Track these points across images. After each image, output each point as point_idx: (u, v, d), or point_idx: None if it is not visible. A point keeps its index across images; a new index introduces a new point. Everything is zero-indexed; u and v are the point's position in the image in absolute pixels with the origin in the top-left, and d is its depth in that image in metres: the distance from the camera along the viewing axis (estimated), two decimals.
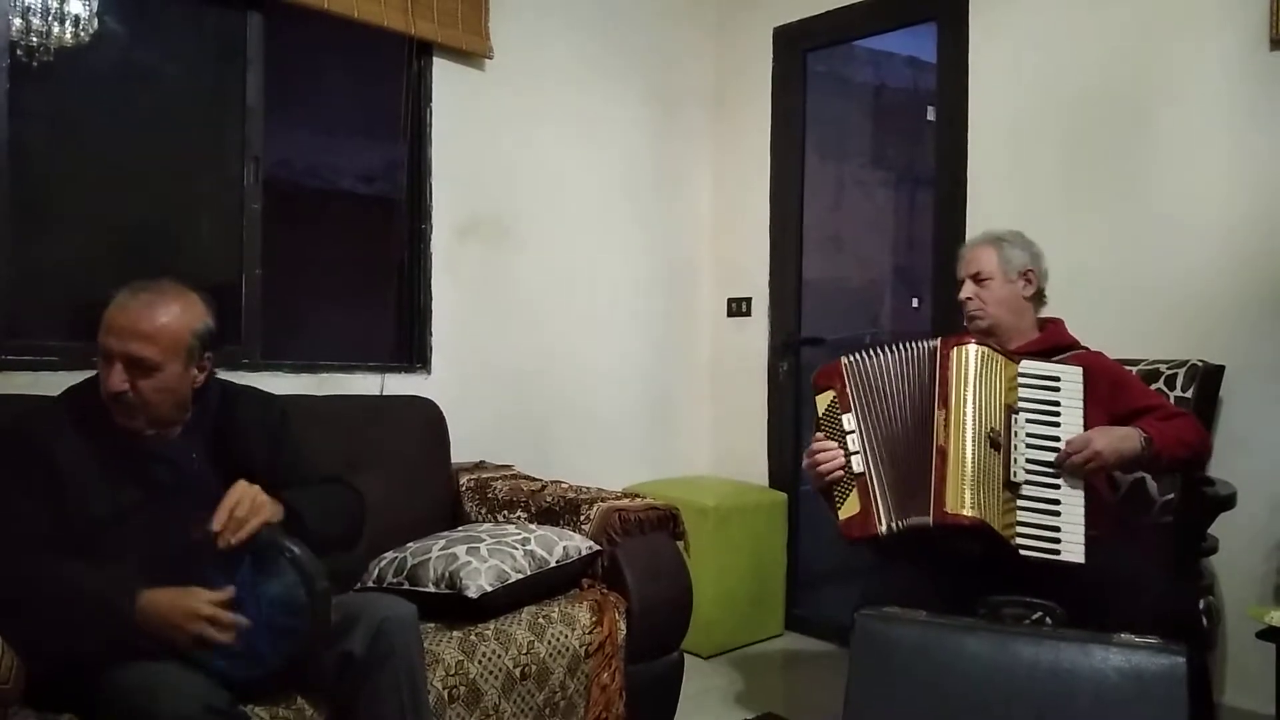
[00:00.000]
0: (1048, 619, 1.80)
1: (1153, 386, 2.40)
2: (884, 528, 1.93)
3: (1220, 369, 2.49)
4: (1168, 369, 2.47)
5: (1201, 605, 2.13)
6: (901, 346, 2.06)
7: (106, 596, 1.56)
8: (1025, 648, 1.64)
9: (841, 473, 2.00)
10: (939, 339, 2.05)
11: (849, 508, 1.98)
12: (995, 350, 2.03)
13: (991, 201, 3.13)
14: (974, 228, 3.16)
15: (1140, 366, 2.48)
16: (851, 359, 2.09)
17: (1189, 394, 2.41)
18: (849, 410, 2.04)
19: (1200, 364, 2.45)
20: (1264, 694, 2.06)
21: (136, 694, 1.47)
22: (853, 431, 2.02)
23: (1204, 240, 2.69)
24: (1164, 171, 2.77)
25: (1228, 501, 2.21)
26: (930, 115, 3.49)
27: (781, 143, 3.78)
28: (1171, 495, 2.33)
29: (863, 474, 1.98)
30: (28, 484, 1.64)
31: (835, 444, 2.03)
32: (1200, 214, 2.70)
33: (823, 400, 2.09)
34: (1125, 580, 1.86)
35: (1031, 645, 1.64)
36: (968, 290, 2.28)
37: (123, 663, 1.53)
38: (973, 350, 1.99)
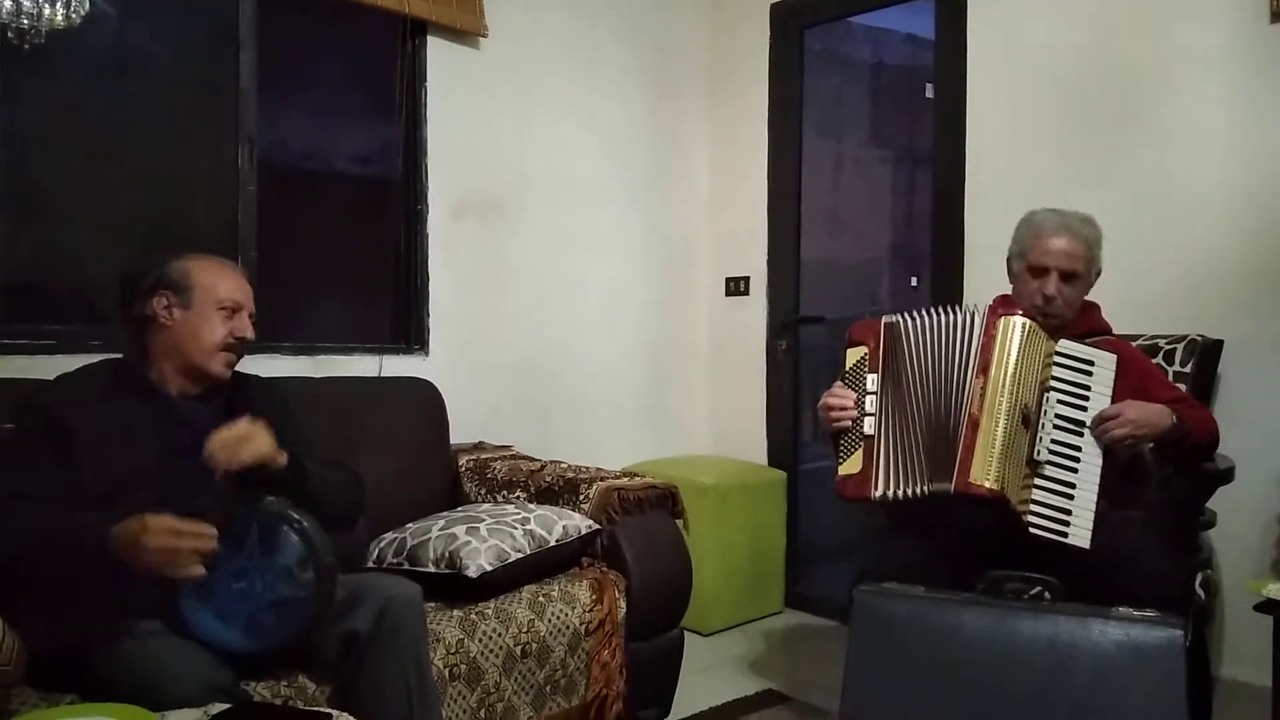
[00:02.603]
0: (1046, 593, 1.81)
1: (1152, 361, 2.40)
2: (878, 493, 1.93)
3: (1219, 344, 2.48)
4: (1166, 344, 2.47)
5: (1199, 579, 2.14)
6: (942, 310, 2.02)
7: (77, 528, 1.56)
8: (1024, 622, 1.65)
9: (851, 424, 2.00)
10: (986, 305, 2.03)
11: (850, 465, 1.98)
12: (1039, 326, 2.01)
13: (990, 179, 3.12)
14: (972, 206, 3.15)
15: (1140, 342, 2.48)
16: (893, 320, 2.05)
17: (1188, 369, 2.41)
18: (875, 371, 2.02)
19: (1199, 339, 2.45)
20: (1261, 667, 2.07)
21: (140, 673, 1.48)
22: (874, 393, 2.00)
23: (1203, 215, 2.69)
24: (1163, 146, 2.76)
25: (1226, 476, 2.22)
26: (929, 93, 3.47)
27: (779, 121, 3.76)
28: (1170, 469, 2.33)
29: (872, 437, 1.98)
30: (36, 455, 1.67)
31: (855, 396, 2.02)
32: (1200, 188, 2.69)
33: (853, 354, 2.07)
34: (1124, 555, 1.87)
35: (1030, 620, 1.65)
36: (1052, 288, 2.12)
37: (126, 638, 1.53)
38: (1020, 322, 1.96)
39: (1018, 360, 1.93)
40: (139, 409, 1.77)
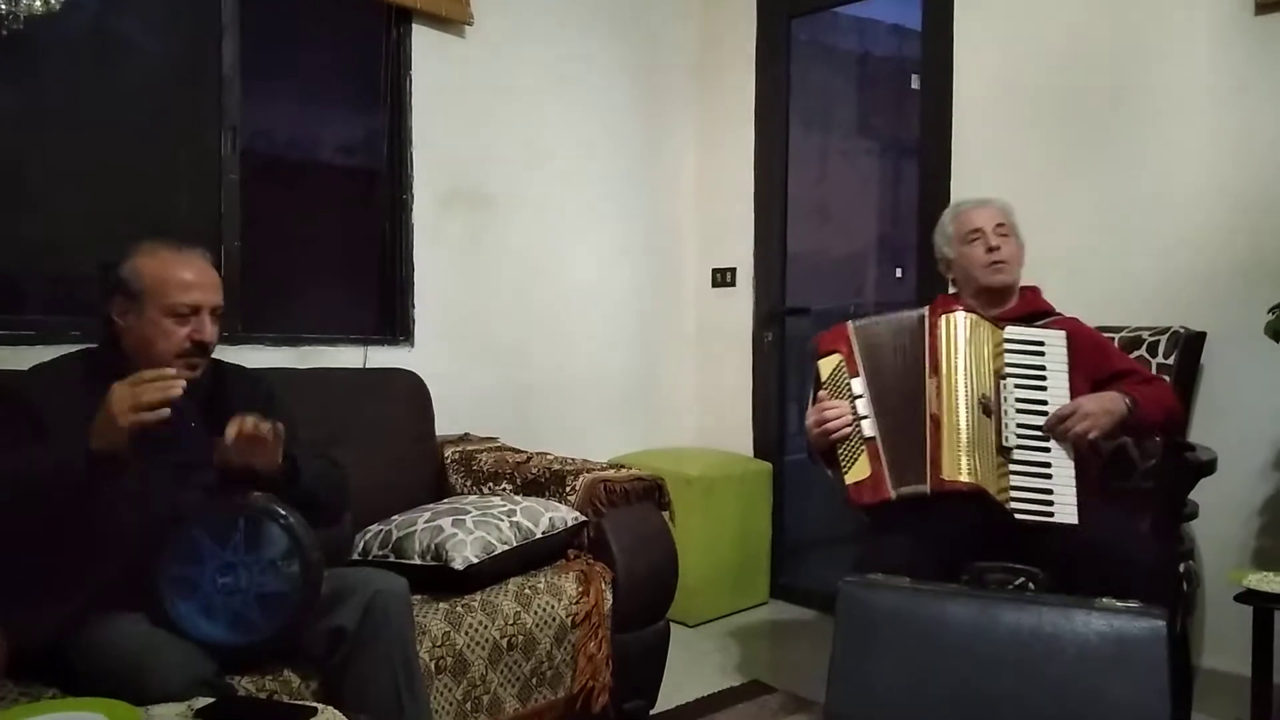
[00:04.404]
0: (1030, 584, 1.82)
1: (1134, 354, 2.42)
2: (894, 493, 1.94)
3: (1202, 335, 2.50)
4: (1150, 336, 2.48)
5: (1182, 569, 2.16)
6: (893, 315, 2.06)
7: (59, 454, 1.55)
8: (1008, 613, 1.66)
9: (849, 430, 1.99)
10: (926, 307, 2.05)
11: (858, 471, 1.97)
12: (982, 317, 2.04)
13: (976, 170, 3.12)
14: (958, 196, 3.15)
15: (1123, 334, 2.49)
16: (857, 324, 2.07)
17: (1171, 361, 2.42)
18: (857, 375, 2.03)
19: (1182, 330, 2.46)
20: (1241, 656, 2.09)
21: (123, 667, 1.48)
22: (861, 396, 2.01)
23: (1187, 206, 2.70)
24: (1148, 138, 2.77)
25: (1208, 467, 2.23)
26: (915, 84, 3.47)
27: (765, 111, 3.76)
28: (1153, 461, 2.35)
29: (874, 438, 1.98)
30: (8, 443, 1.64)
31: (846, 404, 2.01)
32: (1183, 180, 2.71)
33: (827, 365, 2.08)
34: (1107, 545, 1.88)
35: (1014, 610, 1.66)
36: (996, 239, 2.21)
37: (108, 630, 1.52)
38: (961, 317, 2.00)
39: (966, 353, 1.97)
40: None
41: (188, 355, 1.73)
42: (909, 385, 2.00)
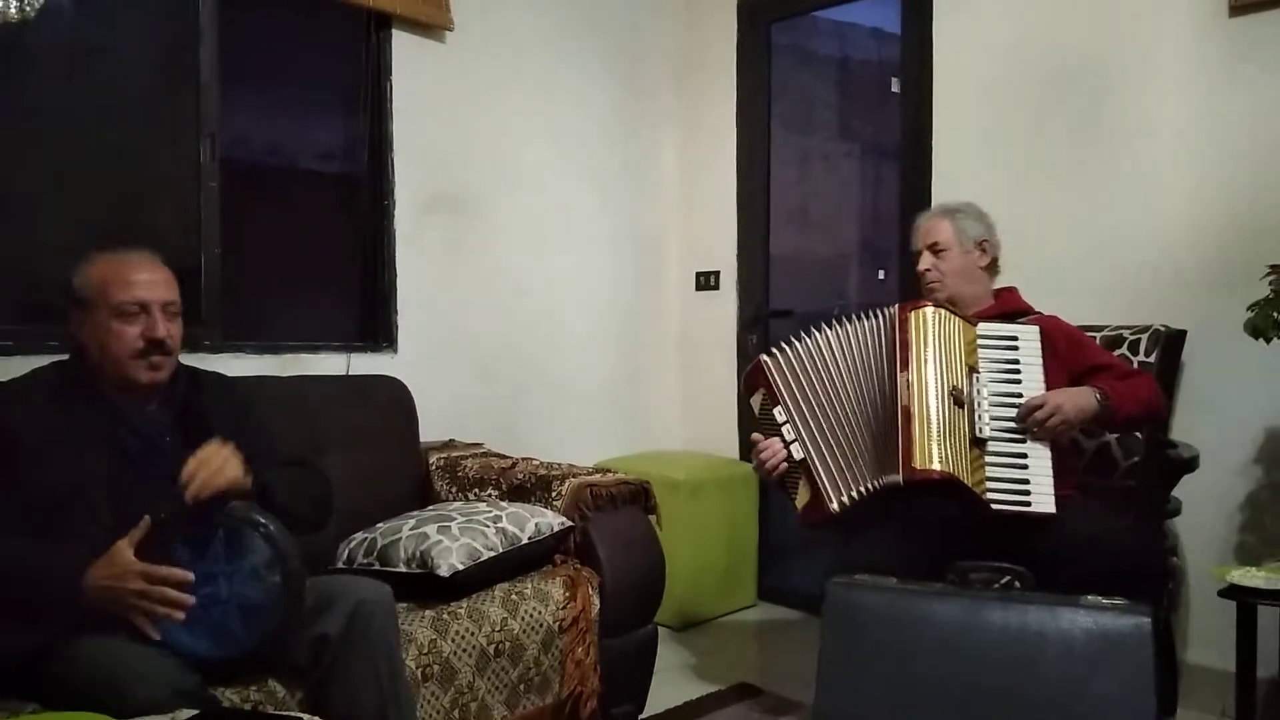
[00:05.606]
0: (1015, 583, 1.82)
1: (1115, 352, 2.43)
2: (834, 505, 1.97)
3: (1182, 334, 2.52)
4: (1130, 334, 2.49)
5: (1165, 566, 2.17)
6: (849, 319, 2.09)
7: (51, 577, 1.56)
8: (994, 611, 1.66)
9: (786, 465, 2.04)
10: (896, 305, 2.07)
11: (802, 496, 2.03)
12: (953, 312, 2.06)
13: (956, 172, 3.14)
14: (939, 198, 3.17)
15: (1104, 332, 2.51)
16: (771, 354, 2.12)
17: (1152, 359, 2.43)
18: (778, 403, 2.07)
19: (1163, 329, 2.48)
20: (1226, 651, 2.10)
21: (104, 680, 1.45)
22: (786, 422, 2.06)
23: (1166, 206, 2.72)
24: (1126, 139, 2.79)
25: (1190, 464, 2.25)
26: (895, 87, 3.49)
27: (747, 115, 3.77)
28: (1136, 459, 2.37)
29: (804, 459, 2.02)
30: None
31: (776, 440, 2.06)
32: (1162, 180, 2.73)
33: (755, 403, 2.13)
34: (1091, 543, 1.88)
35: (1000, 609, 1.66)
36: (925, 261, 2.29)
37: (88, 643, 1.51)
38: (930, 312, 2.02)
39: (935, 347, 1.99)
40: (88, 415, 1.71)
41: (145, 355, 1.72)
42: (871, 384, 2.02)
